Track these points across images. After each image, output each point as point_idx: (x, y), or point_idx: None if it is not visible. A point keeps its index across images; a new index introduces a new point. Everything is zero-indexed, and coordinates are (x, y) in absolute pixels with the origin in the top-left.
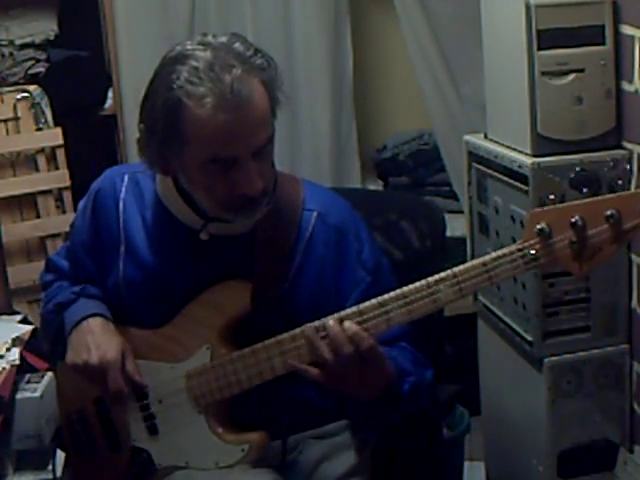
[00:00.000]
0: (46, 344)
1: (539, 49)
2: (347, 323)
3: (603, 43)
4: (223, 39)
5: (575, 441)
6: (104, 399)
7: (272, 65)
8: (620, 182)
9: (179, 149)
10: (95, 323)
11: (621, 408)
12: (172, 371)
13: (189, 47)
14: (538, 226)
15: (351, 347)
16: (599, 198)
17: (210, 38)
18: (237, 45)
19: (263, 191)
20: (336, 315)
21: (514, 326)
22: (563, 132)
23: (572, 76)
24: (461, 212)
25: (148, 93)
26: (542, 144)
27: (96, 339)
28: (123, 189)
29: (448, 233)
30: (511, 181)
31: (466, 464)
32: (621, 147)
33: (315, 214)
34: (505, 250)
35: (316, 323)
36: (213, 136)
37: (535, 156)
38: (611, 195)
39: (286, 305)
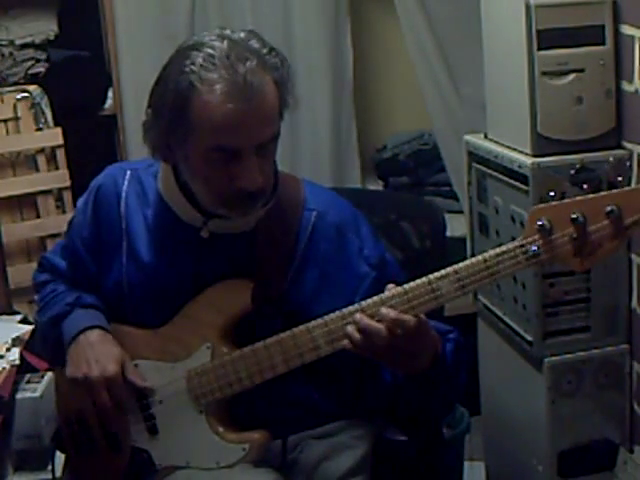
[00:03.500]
0: (45, 354)
1: (539, 49)
2: (384, 309)
3: (603, 43)
4: (241, 34)
5: (575, 441)
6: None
7: (285, 66)
8: (620, 181)
9: (184, 134)
10: (93, 336)
11: (621, 408)
12: (173, 371)
13: (206, 38)
14: (539, 222)
15: (398, 330)
16: (599, 194)
17: (228, 32)
18: (254, 42)
19: (261, 189)
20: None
21: (514, 326)
22: (563, 132)
23: (572, 76)
24: (461, 212)
25: (160, 78)
26: (542, 144)
27: (95, 352)
28: (125, 186)
29: (448, 233)
30: (511, 181)
31: (466, 464)
32: (621, 147)
33: (315, 213)
34: (506, 247)
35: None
36: (219, 123)
37: (535, 156)
38: (611, 191)
39: (286, 304)
